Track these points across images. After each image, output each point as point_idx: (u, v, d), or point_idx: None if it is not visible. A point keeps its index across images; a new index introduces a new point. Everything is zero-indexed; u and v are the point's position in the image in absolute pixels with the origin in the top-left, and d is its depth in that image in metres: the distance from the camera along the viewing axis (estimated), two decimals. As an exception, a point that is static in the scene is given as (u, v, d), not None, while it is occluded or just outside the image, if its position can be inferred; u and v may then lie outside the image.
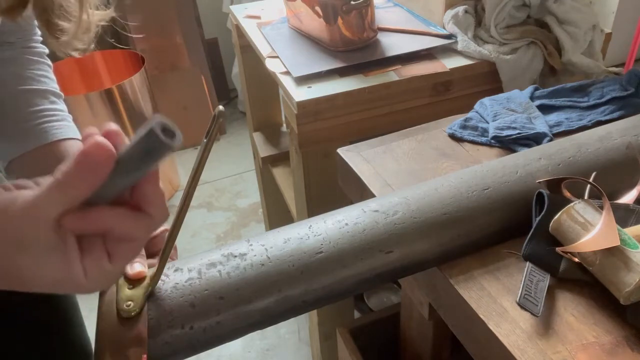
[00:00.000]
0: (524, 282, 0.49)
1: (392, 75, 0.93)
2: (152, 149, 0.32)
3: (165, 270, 0.47)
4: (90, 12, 0.54)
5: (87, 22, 0.54)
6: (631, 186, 0.58)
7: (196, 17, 2.31)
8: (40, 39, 0.64)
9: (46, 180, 0.33)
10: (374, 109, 0.94)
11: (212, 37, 2.54)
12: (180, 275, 0.46)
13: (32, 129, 0.57)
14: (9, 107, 0.58)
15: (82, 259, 0.34)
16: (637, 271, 0.45)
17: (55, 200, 0.32)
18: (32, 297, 0.69)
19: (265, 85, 1.43)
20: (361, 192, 0.69)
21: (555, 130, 0.75)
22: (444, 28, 1.02)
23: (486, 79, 0.98)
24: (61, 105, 0.61)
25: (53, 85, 0.62)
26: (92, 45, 0.56)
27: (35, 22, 0.63)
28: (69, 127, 0.60)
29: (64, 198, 0.32)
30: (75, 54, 0.56)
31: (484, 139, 0.74)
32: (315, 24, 1.01)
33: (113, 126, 0.34)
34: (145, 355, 0.41)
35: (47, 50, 0.64)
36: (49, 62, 0.64)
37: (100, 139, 0.32)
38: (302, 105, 0.88)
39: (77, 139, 0.60)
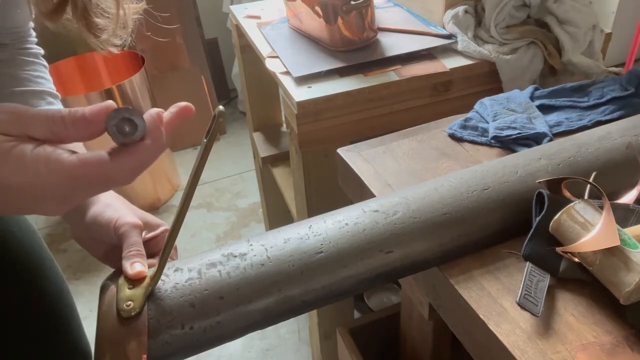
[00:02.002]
0: (524, 282, 0.49)
1: (392, 75, 0.93)
2: (121, 143, 0.37)
3: (165, 270, 0.47)
4: (125, 7, 0.55)
5: (124, 18, 0.55)
6: (631, 186, 0.58)
7: (196, 17, 2.31)
8: (35, 40, 0.64)
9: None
10: (374, 109, 0.94)
11: (212, 37, 2.54)
12: (180, 275, 0.46)
13: None
14: None
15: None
16: (637, 271, 0.45)
17: (42, 127, 0.35)
18: (29, 299, 0.69)
19: (265, 85, 1.43)
20: (361, 192, 0.69)
21: (555, 130, 0.75)
22: (444, 28, 1.02)
23: (486, 79, 0.98)
24: (58, 106, 0.61)
25: (49, 85, 0.62)
26: (130, 39, 0.57)
27: (31, 24, 0.63)
28: None
29: (50, 129, 0.35)
30: (114, 50, 0.58)
31: (484, 139, 0.74)
32: (315, 24, 1.01)
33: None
34: (145, 355, 0.41)
35: (42, 51, 0.64)
36: (45, 62, 0.64)
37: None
38: (302, 105, 0.88)
39: None
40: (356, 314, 1.45)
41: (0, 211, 0.36)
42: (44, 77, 0.62)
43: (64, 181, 0.35)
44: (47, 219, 2.05)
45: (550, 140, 0.71)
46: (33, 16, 0.62)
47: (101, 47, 0.56)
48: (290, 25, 1.13)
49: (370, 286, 0.53)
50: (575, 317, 0.48)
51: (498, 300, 0.50)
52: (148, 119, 0.37)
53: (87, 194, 0.38)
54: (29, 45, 0.62)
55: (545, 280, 0.49)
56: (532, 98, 0.81)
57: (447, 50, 1.00)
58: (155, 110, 0.38)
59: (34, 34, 0.64)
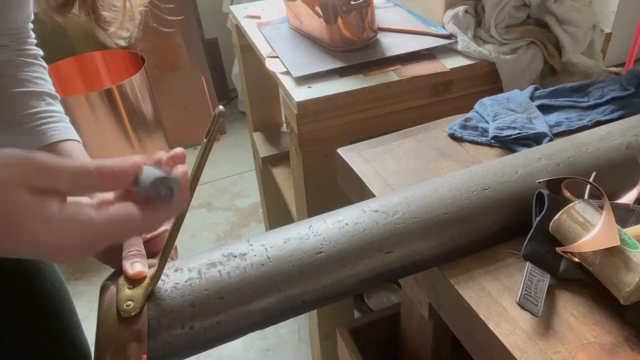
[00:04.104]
0: (524, 282, 0.49)
1: (392, 75, 0.93)
2: (154, 200, 0.36)
3: (165, 270, 0.47)
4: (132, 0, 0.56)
5: (131, 10, 0.56)
6: (631, 186, 0.58)
7: (196, 17, 2.31)
8: (35, 41, 0.64)
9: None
10: (374, 109, 0.94)
11: (212, 37, 2.54)
12: (180, 275, 0.46)
13: (29, 131, 0.57)
14: (5, 109, 0.58)
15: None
16: (637, 271, 0.45)
17: (67, 180, 0.34)
18: (27, 299, 0.69)
19: (265, 85, 1.43)
20: (361, 192, 0.69)
21: (555, 130, 0.75)
22: (444, 28, 1.02)
23: (486, 79, 0.98)
24: (57, 107, 0.61)
25: (49, 87, 0.62)
26: (137, 32, 0.58)
27: (30, 25, 0.63)
28: (66, 129, 0.60)
29: (77, 183, 0.34)
30: (122, 42, 0.59)
31: (484, 139, 0.74)
32: (315, 24, 1.01)
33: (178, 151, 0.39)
34: (145, 356, 0.41)
35: (41, 53, 0.64)
36: (44, 64, 0.64)
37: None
38: (302, 105, 0.88)
39: (76, 140, 0.60)
40: (356, 314, 1.45)
41: (10, 254, 0.35)
42: (43, 79, 0.62)
43: (90, 239, 0.35)
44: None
45: (550, 140, 0.71)
46: (32, 17, 0.62)
47: (109, 40, 0.57)
48: (290, 25, 1.13)
49: (370, 286, 0.53)
50: (575, 317, 0.48)
51: (498, 300, 0.50)
52: (178, 180, 0.38)
53: (109, 244, 0.38)
54: (28, 47, 0.63)
55: (545, 280, 0.49)
56: (532, 98, 0.81)
57: (447, 50, 1.00)
58: (182, 170, 0.38)
59: (33, 35, 0.64)
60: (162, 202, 0.36)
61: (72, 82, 2.03)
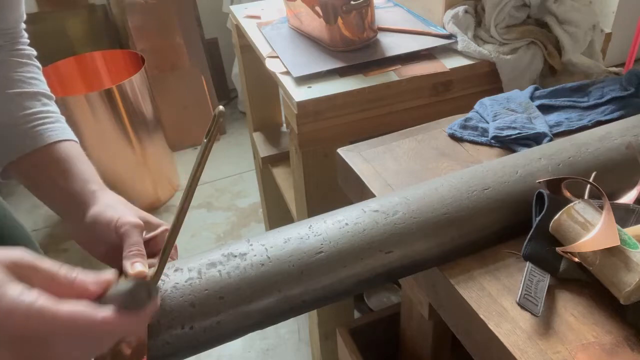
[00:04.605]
0: (524, 282, 0.49)
1: (392, 75, 0.93)
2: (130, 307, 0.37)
3: (165, 270, 0.47)
4: None
5: None
6: (631, 186, 0.58)
7: (196, 17, 2.31)
8: (27, 41, 0.64)
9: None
10: (374, 109, 0.94)
11: (212, 37, 2.54)
12: (180, 275, 0.46)
13: (26, 132, 0.57)
14: (0, 110, 0.57)
15: None
16: (637, 271, 0.45)
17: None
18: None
19: (265, 85, 1.43)
20: (361, 192, 0.69)
21: (555, 130, 0.75)
22: (444, 28, 1.02)
23: (486, 79, 0.98)
24: (53, 107, 0.61)
25: (43, 87, 0.62)
26: None
27: (23, 25, 0.63)
28: (63, 129, 0.59)
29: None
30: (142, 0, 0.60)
31: (484, 139, 0.74)
32: (315, 24, 1.01)
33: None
34: (145, 356, 0.41)
35: (35, 52, 0.64)
36: (38, 64, 0.64)
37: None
38: (302, 105, 0.88)
39: (73, 140, 0.60)
40: (356, 314, 1.45)
41: None
42: (37, 79, 0.62)
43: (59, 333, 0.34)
44: (46, 218, 2.05)
45: (550, 140, 0.71)
46: (24, 17, 0.62)
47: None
48: (290, 25, 1.13)
49: (370, 286, 0.53)
50: (575, 317, 0.48)
51: (498, 300, 0.50)
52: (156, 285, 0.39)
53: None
54: (21, 47, 0.62)
55: (545, 280, 0.49)
56: (532, 98, 0.81)
57: (447, 50, 1.00)
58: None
59: (26, 35, 0.63)
60: (137, 307, 0.37)
61: (72, 82, 2.03)
